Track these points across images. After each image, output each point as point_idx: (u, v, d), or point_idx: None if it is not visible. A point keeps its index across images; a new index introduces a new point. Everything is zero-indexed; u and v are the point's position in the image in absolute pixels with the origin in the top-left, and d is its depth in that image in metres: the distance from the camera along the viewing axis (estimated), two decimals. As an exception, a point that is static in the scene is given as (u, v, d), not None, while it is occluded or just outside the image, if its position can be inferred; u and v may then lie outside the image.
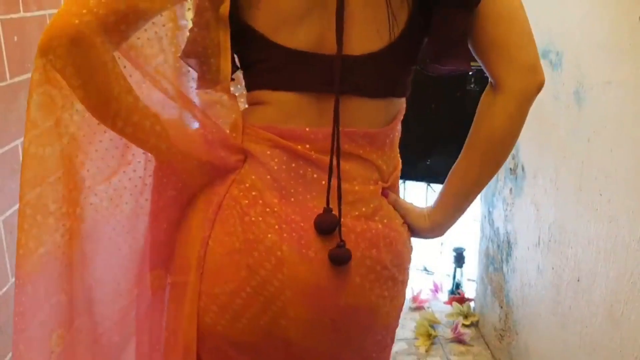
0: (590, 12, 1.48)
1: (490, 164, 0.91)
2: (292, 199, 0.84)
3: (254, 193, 0.84)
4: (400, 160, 0.98)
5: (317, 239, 0.83)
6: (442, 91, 2.37)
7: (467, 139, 0.91)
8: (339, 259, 0.83)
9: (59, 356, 0.89)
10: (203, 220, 0.86)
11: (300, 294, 0.84)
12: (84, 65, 0.73)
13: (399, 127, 0.95)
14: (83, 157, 0.86)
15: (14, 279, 1.47)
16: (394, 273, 0.90)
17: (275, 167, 0.84)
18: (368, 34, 0.83)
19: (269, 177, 0.85)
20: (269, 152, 0.85)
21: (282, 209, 0.83)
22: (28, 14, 1.57)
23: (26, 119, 0.78)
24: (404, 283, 0.94)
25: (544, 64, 0.86)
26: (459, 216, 0.96)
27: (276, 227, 0.83)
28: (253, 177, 0.85)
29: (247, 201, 0.84)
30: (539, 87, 0.85)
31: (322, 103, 0.84)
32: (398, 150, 0.97)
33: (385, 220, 0.89)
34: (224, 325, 0.86)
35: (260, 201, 0.84)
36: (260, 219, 0.83)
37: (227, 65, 0.83)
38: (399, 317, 0.98)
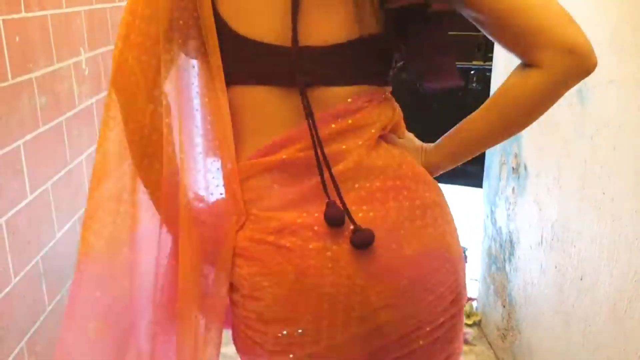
0: (594, 11, 1.48)
1: (504, 128, 0.86)
2: (307, 202, 0.83)
3: (273, 224, 0.83)
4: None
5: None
6: (444, 91, 2.36)
7: (490, 97, 0.85)
8: (360, 243, 0.80)
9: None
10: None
11: (368, 273, 0.82)
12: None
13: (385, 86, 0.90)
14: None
15: (16, 280, 1.47)
16: (425, 201, 0.88)
17: (277, 188, 0.84)
18: (331, 26, 0.80)
19: (278, 200, 0.84)
20: (268, 177, 0.84)
21: (305, 219, 0.82)
22: (29, 14, 1.57)
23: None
24: (436, 206, 0.90)
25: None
26: (455, 164, 0.92)
27: (310, 234, 0.82)
28: (265, 211, 0.84)
29: (272, 237, 0.83)
30: (586, 70, 0.77)
31: (293, 97, 0.81)
32: (392, 99, 0.92)
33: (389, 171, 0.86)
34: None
35: (284, 226, 0.83)
36: (294, 239, 0.82)
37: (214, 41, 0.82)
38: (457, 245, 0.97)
